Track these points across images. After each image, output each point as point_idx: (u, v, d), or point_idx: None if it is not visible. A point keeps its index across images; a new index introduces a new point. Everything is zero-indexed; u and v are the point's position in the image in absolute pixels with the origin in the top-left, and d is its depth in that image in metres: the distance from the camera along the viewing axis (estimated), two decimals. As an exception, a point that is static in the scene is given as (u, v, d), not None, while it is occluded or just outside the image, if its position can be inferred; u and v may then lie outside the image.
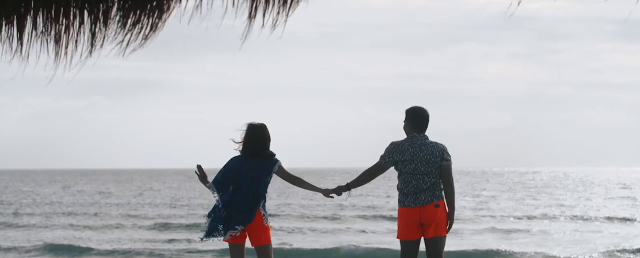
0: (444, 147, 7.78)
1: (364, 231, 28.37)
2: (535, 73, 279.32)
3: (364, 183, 7.94)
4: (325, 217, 34.54)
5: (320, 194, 8.08)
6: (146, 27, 4.43)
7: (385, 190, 57.81)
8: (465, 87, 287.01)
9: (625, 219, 32.59)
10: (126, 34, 4.48)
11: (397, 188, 7.83)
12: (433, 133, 7.90)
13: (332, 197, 8.00)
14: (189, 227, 29.88)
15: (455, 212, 7.94)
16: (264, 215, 7.88)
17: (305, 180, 7.93)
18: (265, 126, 7.94)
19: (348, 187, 7.86)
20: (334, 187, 8.03)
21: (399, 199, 7.81)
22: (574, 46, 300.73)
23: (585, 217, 34.01)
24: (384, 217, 34.11)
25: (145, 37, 4.43)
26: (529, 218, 33.74)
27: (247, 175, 7.83)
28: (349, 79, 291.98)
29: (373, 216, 34.96)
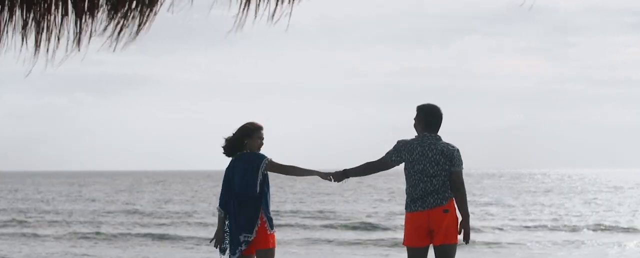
0: (454, 149, 7.47)
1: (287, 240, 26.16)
2: (547, 69, 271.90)
3: (362, 175, 7.88)
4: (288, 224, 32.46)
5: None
6: (137, 19, 4.12)
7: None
8: (471, 84, 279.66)
9: (623, 229, 31.11)
10: (115, 27, 4.17)
11: (406, 192, 7.58)
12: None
13: (330, 180, 7.84)
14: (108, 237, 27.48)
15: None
16: (266, 221, 7.77)
17: (298, 166, 7.86)
18: (244, 124, 7.84)
19: (346, 173, 7.75)
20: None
21: (406, 204, 7.57)
22: (589, 40, 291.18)
23: (569, 226, 32.49)
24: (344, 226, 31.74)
25: (137, 30, 4.12)
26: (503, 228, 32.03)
27: (238, 175, 7.75)
28: (349, 77, 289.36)
29: (332, 225, 32.26)
